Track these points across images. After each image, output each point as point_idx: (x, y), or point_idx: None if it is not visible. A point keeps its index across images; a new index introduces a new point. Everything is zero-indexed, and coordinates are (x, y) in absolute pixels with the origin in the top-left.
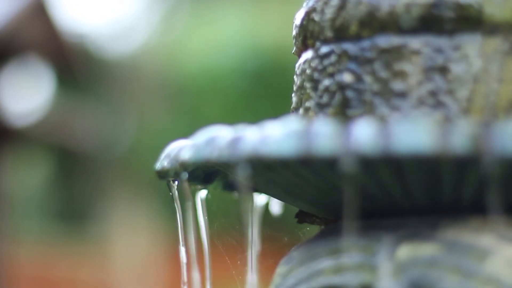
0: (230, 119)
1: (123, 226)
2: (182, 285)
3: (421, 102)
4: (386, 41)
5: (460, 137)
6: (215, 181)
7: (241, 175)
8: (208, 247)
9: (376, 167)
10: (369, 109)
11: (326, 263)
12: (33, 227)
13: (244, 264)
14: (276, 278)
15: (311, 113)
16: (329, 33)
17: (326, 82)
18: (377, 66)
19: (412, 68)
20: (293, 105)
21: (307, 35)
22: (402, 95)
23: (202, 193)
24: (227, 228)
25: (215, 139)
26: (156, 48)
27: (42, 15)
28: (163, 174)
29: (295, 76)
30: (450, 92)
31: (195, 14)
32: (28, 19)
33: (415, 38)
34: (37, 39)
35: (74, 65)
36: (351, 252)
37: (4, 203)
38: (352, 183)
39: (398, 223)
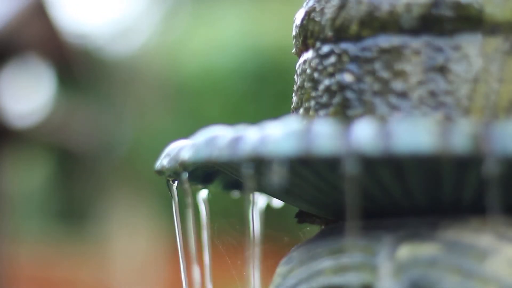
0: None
1: (123, 226)
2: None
3: (421, 102)
4: (386, 41)
5: (461, 137)
6: (215, 181)
7: (241, 175)
8: (208, 247)
9: (376, 167)
10: (369, 109)
11: (326, 263)
12: (33, 227)
13: (244, 264)
14: (276, 278)
15: (311, 113)
16: (329, 33)
17: (327, 82)
18: (378, 66)
19: (412, 68)
20: (293, 105)
21: (307, 35)
22: (403, 95)
23: (203, 193)
24: (227, 228)
25: (215, 139)
26: (156, 49)
27: (42, 15)
28: (162, 174)
29: (295, 76)
30: (451, 92)
31: (195, 15)
32: (28, 19)
33: (416, 38)
34: (37, 39)
35: (74, 65)
36: (351, 252)
37: (4, 203)
38: (353, 183)
39: (398, 223)
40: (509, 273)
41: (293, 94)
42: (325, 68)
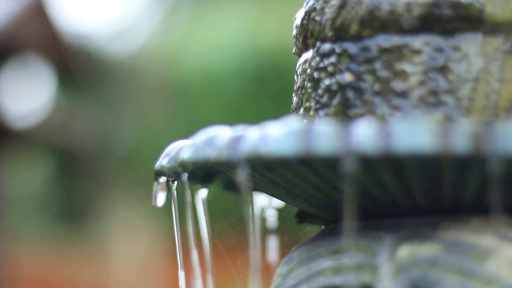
0: (231, 120)
1: (123, 226)
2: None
3: (422, 102)
4: (386, 40)
5: (461, 137)
6: (215, 181)
7: (241, 175)
8: (209, 247)
9: (376, 167)
10: (369, 109)
11: (326, 263)
12: (33, 227)
13: (245, 264)
14: (276, 279)
15: (311, 113)
16: (329, 33)
17: (327, 81)
18: (378, 65)
19: (413, 67)
20: (294, 105)
21: (307, 35)
22: (403, 94)
23: (203, 193)
24: (227, 228)
25: (215, 138)
26: (156, 49)
27: (42, 15)
28: (162, 174)
29: (295, 76)
30: (451, 92)
31: (196, 15)
32: (28, 19)
33: (416, 37)
34: (37, 39)
35: (74, 66)
36: (351, 252)
37: (4, 203)
38: (353, 183)
39: (398, 223)
40: (509, 273)
41: (293, 94)
42: (325, 68)
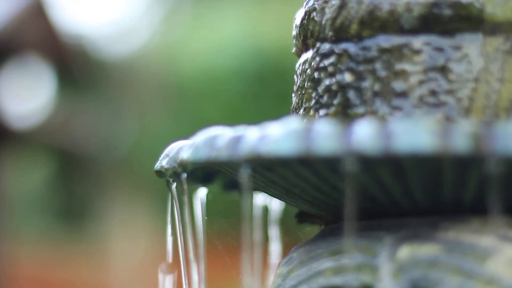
0: (231, 120)
1: (123, 226)
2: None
3: (422, 102)
4: (387, 40)
5: (461, 137)
6: (215, 181)
7: (241, 175)
8: (204, 247)
9: (376, 167)
10: (369, 109)
11: (326, 264)
12: (33, 227)
13: (245, 264)
14: (276, 279)
15: (311, 113)
16: (329, 33)
17: (327, 82)
18: (378, 65)
19: (413, 67)
20: (294, 105)
21: (307, 35)
22: (403, 94)
23: (202, 193)
24: (227, 228)
25: (214, 138)
26: (156, 49)
27: (42, 16)
28: (162, 174)
29: (295, 76)
30: (451, 92)
31: (196, 15)
32: (27, 19)
33: (416, 37)
34: (36, 40)
35: (74, 66)
36: (351, 253)
37: (4, 204)
38: (353, 183)
39: (398, 223)
40: (510, 273)
41: (293, 94)
42: (325, 68)
